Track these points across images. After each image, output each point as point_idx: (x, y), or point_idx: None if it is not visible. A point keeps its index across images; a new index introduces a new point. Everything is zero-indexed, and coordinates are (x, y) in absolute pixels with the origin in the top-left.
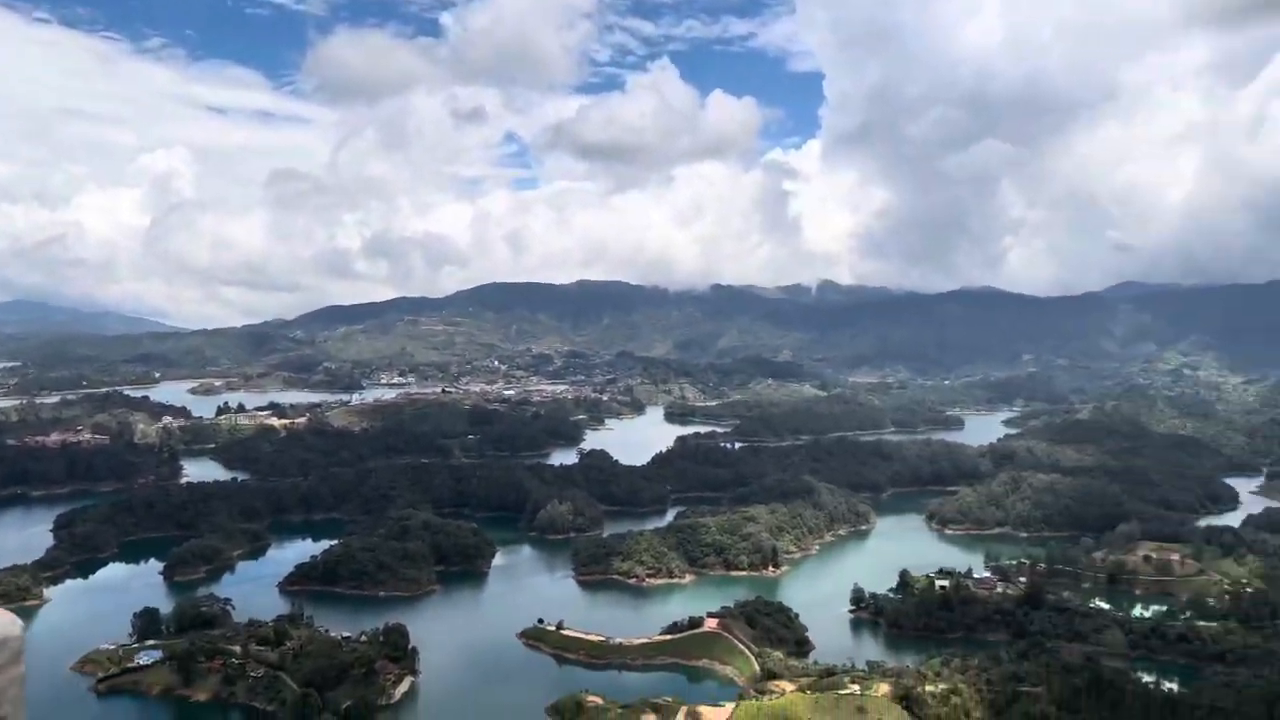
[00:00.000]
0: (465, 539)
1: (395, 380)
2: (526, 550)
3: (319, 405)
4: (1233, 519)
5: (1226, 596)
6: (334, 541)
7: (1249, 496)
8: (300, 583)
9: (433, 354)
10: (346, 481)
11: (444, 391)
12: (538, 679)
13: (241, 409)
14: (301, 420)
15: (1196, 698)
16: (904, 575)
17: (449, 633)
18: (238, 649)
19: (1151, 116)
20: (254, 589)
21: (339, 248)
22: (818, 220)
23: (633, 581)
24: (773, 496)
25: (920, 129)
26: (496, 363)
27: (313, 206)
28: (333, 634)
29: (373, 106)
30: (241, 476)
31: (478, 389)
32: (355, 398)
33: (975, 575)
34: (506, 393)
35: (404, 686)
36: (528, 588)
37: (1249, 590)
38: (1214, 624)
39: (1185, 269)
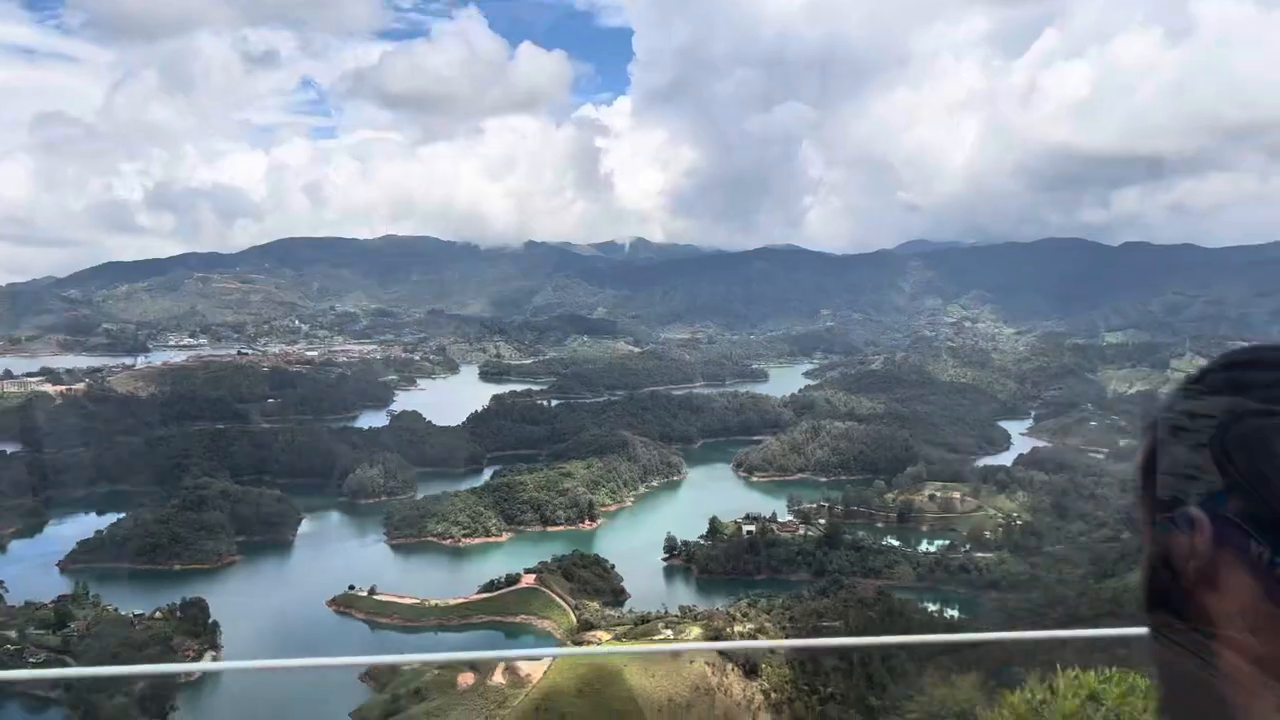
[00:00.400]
0: (268, 507)
1: (185, 342)
2: (335, 516)
3: (100, 370)
4: (1006, 459)
5: (1000, 529)
6: (122, 515)
7: (1019, 438)
8: (84, 560)
9: (227, 313)
10: (134, 451)
11: (240, 353)
12: (350, 646)
13: (9, 375)
14: (80, 386)
15: (974, 622)
16: (713, 522)
17: (253, 604)
18: (14, 634)
19: (938, 83)
20: (31, 569)
21: (117, 199)
22: (630, 177)
23: (448, 543)
24: (589, 451)
25: (725, 88)
26: (297, 322)
27: (86, 153)
28: (123, 612)
29: (152, 46)
30: (12, 449)
31: (277, 350)
32: (141, 361)
33: (779, 519)
34: (309, 354)
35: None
36: (337, 554)
37: (1019, 523)
38: (990, 555)
39: (966, 228)
